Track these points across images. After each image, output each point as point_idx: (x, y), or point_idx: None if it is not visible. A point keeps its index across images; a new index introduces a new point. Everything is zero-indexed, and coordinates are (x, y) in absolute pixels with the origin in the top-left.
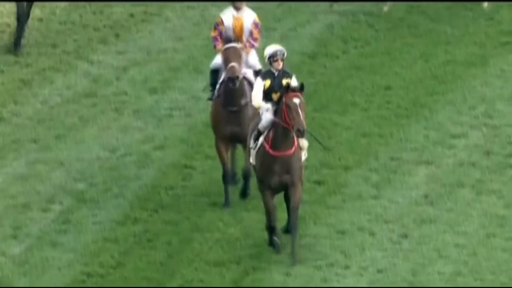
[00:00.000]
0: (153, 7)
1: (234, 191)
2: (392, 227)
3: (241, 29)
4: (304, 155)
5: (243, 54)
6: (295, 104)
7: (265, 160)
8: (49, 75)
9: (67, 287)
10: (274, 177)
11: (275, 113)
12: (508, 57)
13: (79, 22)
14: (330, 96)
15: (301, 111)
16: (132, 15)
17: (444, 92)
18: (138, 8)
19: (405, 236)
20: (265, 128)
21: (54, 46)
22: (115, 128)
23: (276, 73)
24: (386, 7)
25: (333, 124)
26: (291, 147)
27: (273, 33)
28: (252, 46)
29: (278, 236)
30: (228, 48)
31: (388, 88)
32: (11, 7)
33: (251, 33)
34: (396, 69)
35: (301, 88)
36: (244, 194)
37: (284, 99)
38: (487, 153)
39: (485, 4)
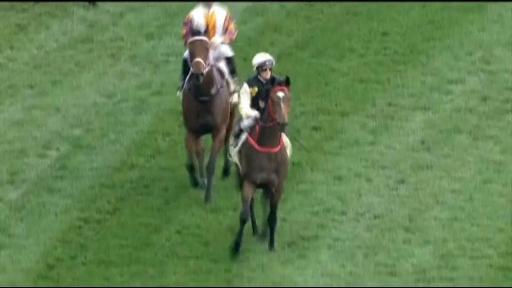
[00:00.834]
0: None
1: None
2: (388, 173)
3: (214, 26)
4: (288, 152)
5: (218, 42)
6: (278, 97)
7: (252, 156)
8: (45, 21)
9: (64, 232)
10: (260, 173)
11: (263, 111)
12: (505, 2)
13: None
14: (326, 41)
15: (285, 105)
16: None
17: (441, 38)
18: None
19: (401, 182)
20: (248, 127)
21: None
22: (111, 74)
23: (264, 81)
24: None
25: (330, 70)
26: (278, 144)
27: None
28: (230, 38)
29: (255, 227)
30: (195, 41)
31: (385, 34)
32: None
33: (226, 29)
34: (393, 15)
35: (286, 81)
36: (208, 191)
37: (270, 94)
38: (484, 98)
39: None
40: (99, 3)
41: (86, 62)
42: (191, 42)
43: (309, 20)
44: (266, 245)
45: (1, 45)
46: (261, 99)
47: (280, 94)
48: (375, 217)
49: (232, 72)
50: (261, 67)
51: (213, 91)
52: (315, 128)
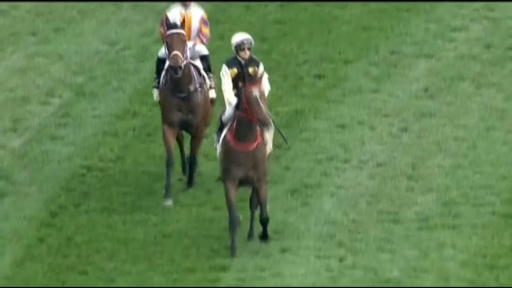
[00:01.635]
0: None
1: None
2: (391, 120)
3: (189, 26)
4: (269, 149)
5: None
6: (255, 97)
7: (229, 152)
8: None
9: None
10: (237, 169)
11: (238, 105)
12: None
13: None
14: None
15: (263, 102)
16: None
17: None
18: None
19: (404, 129)
20: (229, 120)
21: None
22: (114, 22)
23: (243, 62)
24: None
25: (333, 17)
26: (255, 140)
27: None
28: (202, 42)
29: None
30: (172, 34)
31: None
32: None
33: (200, 30)
34: None
35: (260, 76)
36: (189, 182)
37: (243, 91)
38: (488, 46)
39: None
40: None
41: (88, 10)
42: (168, 36)
43: None
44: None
45: None
46: (240, 80)
47: (256, 92)
48: (378, 165)
49: (208, 69)
50: (239, 46)
51: (191, 87)
52: (318, 76)
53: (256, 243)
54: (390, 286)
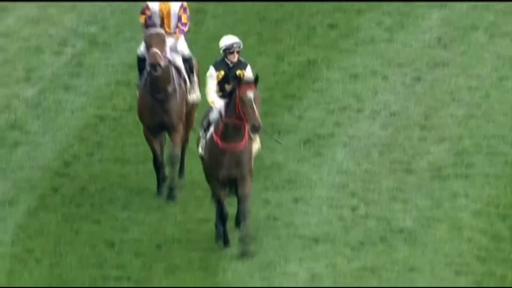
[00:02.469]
0: None
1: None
2: (405, 70)
3: (168, 14)
4: (255, 148)
5: (172, 40)
6: (249, 99)
7: (214, 152)
8: None
9: (81, 128)
10: (222, 169)
11: (227, 105)
12: None
13: None
14: None
15: (256, 106)
16: None
17: None
18: None
19: (417, 79)
20: (216, 119)
21: None
22: None
23: (231, 65)
24: None
25: None
26: (242, 140)
27: None
28: (182, 31)
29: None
30: (151, 33)
31: None
32: None
33: (179, 18)
34: None
35: (255, 80)
36: (171, 185)
37: (237, 92)
38: None
39: None
40: None
41: None
42: (148, 35)
43: None
44: (281, 144)
45: None
46: (227, 83)
47: (251, 94)
48: (390, 114)
49: (190, 71)
50: (228, 50)
51: (169, 89)
52: (331, 26)
53: (268, 193)
54: (402, 235)
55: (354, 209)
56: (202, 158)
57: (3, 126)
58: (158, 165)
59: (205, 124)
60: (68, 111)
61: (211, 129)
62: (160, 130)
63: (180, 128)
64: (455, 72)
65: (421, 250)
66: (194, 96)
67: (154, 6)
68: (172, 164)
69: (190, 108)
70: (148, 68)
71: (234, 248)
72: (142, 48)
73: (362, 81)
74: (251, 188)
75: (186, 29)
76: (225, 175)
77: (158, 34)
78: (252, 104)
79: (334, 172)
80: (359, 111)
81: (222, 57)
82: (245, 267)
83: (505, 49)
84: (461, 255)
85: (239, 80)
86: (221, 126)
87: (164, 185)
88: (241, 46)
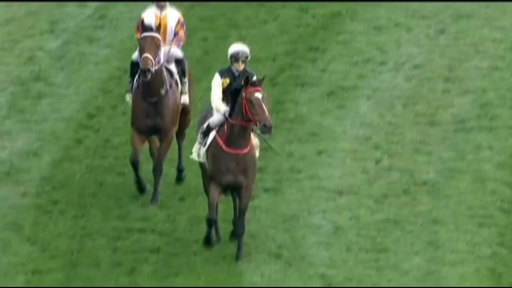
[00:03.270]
0: None
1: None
2: (429, 22)
3: (165, 29)
4: (256, 154)
5: (167, 48)
6: (257, 99)
7: (219, 157)
8: None
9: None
10: (227, 175)
11: (232, 109)
12: None
13: None
14: None
15: (265, 106)
16: None
17: None
18: None
19: (441, 31)
20: (217, 124)
21: None
22: None
23: (236, 73)
24: None
25: None
26: (247, 145)
27: None
28: (179, 45)
29: (217, 231)
30: (145, 37)
31: None
32: None
33: (176, 34)
34: None
35: (260, 81)
36: (153, 198)
37: (244, 94)
38: None
39: None
40: None
41: None
42: (142, 38)
43: None
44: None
45: None
46: (231, 91)
47: (259, 94)
48: (414, 67)
49: (182, 73)
50: (234, 58)
51: (162, 91)
52: None
53: (291, 145)
54: (426, 187)
55: (377, 161)
56: (201, 165)
57: (27, 78)
58: (136, 169)
59: (204, 130)
60: (91, 63)
61: (213, 133)
62: (151, 133)
63: (172, 132)
64: (479, 24)
65: (444, 202)
66: (186, 97)
67: (150, 21)
68: (156, 173)
69: (178, 109)
70: (140, 71)
71: (257, 199)
72: (137, 53)
73: (386, 33)
74: (251, 197)
75: (182, 43)
76: (231, 180)
77: (153, 38)
78: (261, 103)
79: (357, 125)
80: (382, 63)
81: (228, 66)
82: (268, 219)
83: None
84: (484, 207)
85: (245, 81)
86: (226, 128)
87: (141, 177)
88: (248, 56)
